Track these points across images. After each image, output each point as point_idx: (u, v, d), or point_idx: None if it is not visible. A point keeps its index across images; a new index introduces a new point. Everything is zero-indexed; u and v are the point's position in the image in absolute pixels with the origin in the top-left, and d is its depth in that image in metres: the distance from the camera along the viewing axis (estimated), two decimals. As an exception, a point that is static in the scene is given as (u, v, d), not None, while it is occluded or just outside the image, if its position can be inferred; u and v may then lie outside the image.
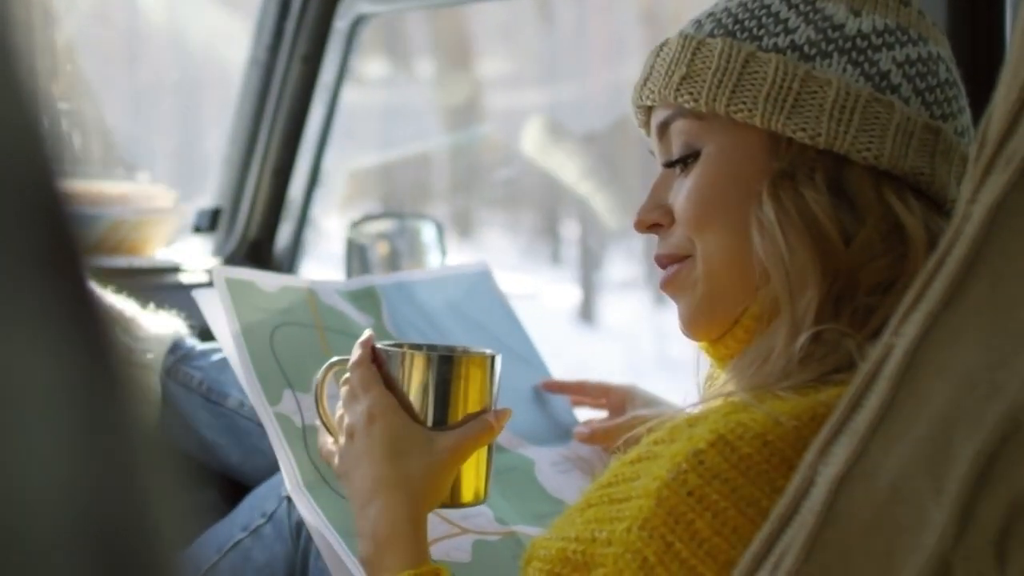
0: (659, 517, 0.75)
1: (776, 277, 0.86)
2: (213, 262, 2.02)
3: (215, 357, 1.42)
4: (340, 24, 1.98)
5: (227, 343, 1.17)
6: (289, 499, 1.19)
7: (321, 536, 1.05)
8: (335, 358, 1.07)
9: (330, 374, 1.06)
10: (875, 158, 0.86)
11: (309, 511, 1.06)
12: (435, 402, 1.00)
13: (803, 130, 0.87)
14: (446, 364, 1.00)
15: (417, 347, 1.05)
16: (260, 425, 1.37)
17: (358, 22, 1.99)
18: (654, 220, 0.95)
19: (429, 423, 0.99)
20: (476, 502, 1.03)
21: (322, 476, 1.11)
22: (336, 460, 1.02)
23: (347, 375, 1.03)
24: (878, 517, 0.56)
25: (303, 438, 1.13)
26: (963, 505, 0.52)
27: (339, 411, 1.03)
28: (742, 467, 0.75)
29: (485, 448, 1.03)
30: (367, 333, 1.05)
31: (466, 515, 1.16)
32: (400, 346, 1.04)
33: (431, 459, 0.97)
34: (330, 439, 1.05)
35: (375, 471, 0.96)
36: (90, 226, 1.80)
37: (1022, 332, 0.51)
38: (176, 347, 1.42)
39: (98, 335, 0.26)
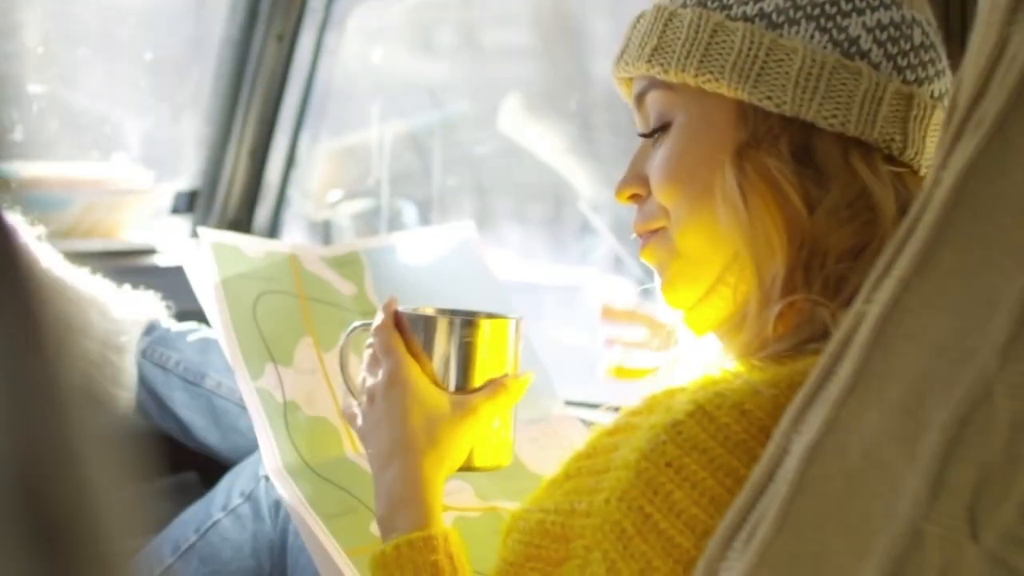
0: (637, 488, 0.75)
1: (741, 245, 0.86)
2: (190, 243, 2.01)
3: (192, 337, 1.41)
4: (315, 2, 1.97)
5: (212, 312, 1.16)
6: (267, 478, 1.19)
7: (299, 516, 1.05)
8: (357, 322, 1.07)
9: (352, 337, 1.06)
10: (841, 125, 0.86)
11: (288, 490, 1.06)
12: (456, 366, 1.00)
13: (769, 98, 0.87)
14: (466, 328, 1.00)
15: (441, 311, 1.05)
16: (238, 404, 1.36)
17: (333, 0, 1.97)
18: (632, 191, 0.95)
19: (451, 387, 0.99)
20: (496, 467, 1.03)
21: (301, 456, 1.10)
22: (358, 422, 1.02)
23: (370, 339, 1.03)
24: (851, 484, 0.56)
25: (283, 415, 1.12)
26: (935, 471, 0.52)
27: (362, 374, 1.03)
28: (720, 437, 0.75)
29: (507, 413, 1.02)
30: (390, 298, 1.04)
31: (447, 492, 1.16)
32: (423, 310, 1.03)
33: (448, 423, 0.97)
34: (354, 402, 1.04)
35: (393, 434, 0.96)
36: (63, 208, 1.79)
37: (992, 297, 0.51)
38: (152, 328, 1.41)
39: (25, 297, 0.26)
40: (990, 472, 0.51)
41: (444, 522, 0.95)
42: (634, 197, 0.95)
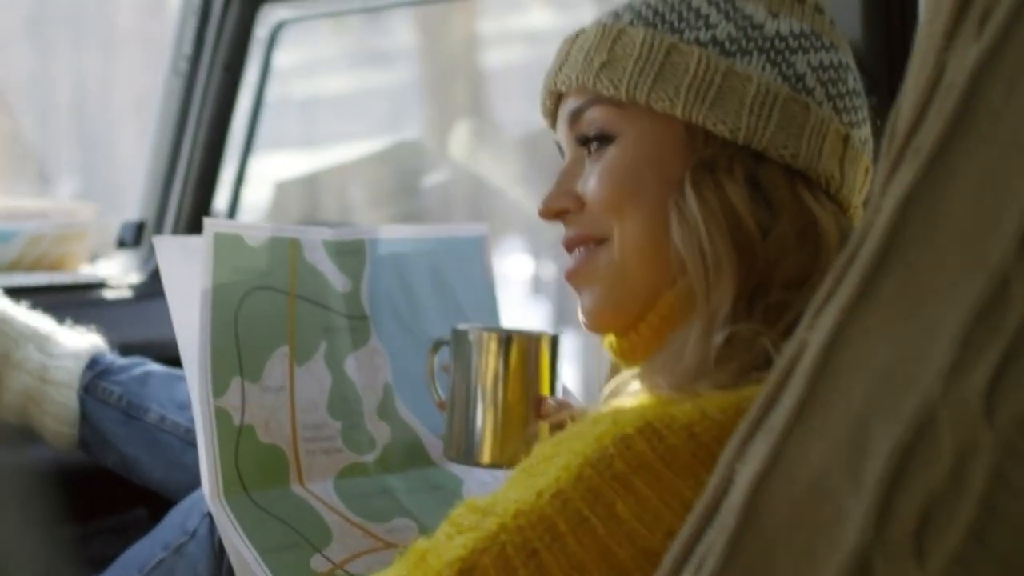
0: (577, 492, 0.75)
1: (693, 267, 0.86)
2: (137, 276, 1.99)
3: (135, 371, 1.39)
4: (261, 31, 1.96)
5: (183, 308, 1.10)
6: (211, 516, 1.17)
7: (235, 549, 1.03)
8: (436, 338, 1.15)
9: (433, 353, 1.17)
10: (791, 157, 0.87)
11: (224, 521, 1.04)
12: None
13: (723, 123, 0.87)
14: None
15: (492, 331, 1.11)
16: (181, 439, 1.34)
17: (278, 29, 1.97)
18: (562, 206, 0.94)
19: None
20: (496, 464, 1.08)
21: (244, 486, 1.08)
22: None
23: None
24: (798, 515, 0.55)
25: (236, 440, 1.09)
26: (881, 500, 0.52)
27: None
28: (668, 458, 0.75)
29: (518, 410, 1.06)
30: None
31: (391, 529, 1.15)
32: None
33: None
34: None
35: None
36: (7, 241, 1.76)
37: (934, 324, 0.51)
38: (95, 362, 1.39)
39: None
40: (935, 498, 0.51)
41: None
42: (562, 213, 0.95)
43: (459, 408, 1.09)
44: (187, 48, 1.97)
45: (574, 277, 0.94)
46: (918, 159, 0.52)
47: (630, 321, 0.91)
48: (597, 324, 0.94)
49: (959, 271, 0.51)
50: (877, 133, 0.93)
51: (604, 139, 0.91)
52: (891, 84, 1.01)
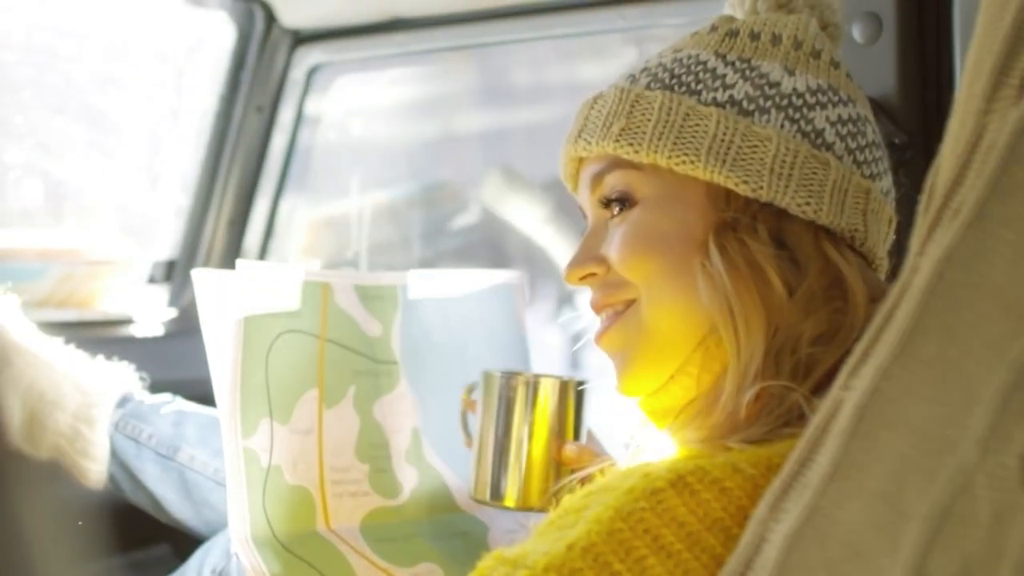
0: (608, 545, 0.74)
1: (723, 325, 0.86)
2: (167, 314, 2.00)
3: (165, 410, 1.40)
4: (295, 74, 1.98)
5: (219, 343, 1.11)
6: (238, 556, 1.17)
7: None
8: (469, 382, 1.20)
9: (467, 395, 1.21)
10: (815, 213, 0.87)
11: (251, 562, 1.04)
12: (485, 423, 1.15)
13: (745, 183, 0.87)
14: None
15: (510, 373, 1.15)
16: (210, 479, 1.34)
17: (313, 72, 1.98)
18: (588, 271, 0.94)
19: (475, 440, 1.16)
20: (520, 507, 1.11)
21: (271, 528, 1.08)
22: None
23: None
24: (832, 575, 0.55)
25: (264, 481, 1.09)
26: (917, 562, 0.51)
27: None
28: (699, 512, 0.74)
29: (543, 454, 1.10)
30: None
31: (416, 574, 1.14)
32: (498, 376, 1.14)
33: None
34: None
35: None
36: (38, 277, 1.77)
37: (972, 386, 0.51)
38: (125, 400, 1.39)
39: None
40: (972, 563, 0.51)
41: None
42: (587, 277, 0.95)
43: (485, 450, 1.12)
44: (220, 88, 1.98)
45: (603, 340, 0.94)
46: (957, 220, 0.52)
47: (661, 382, 0.91)
48: (630, 388, 0.93)
49: (998, 334, 0.50)
50: (913, 188, 0.93)
51: (626, 202, 0.91)
52: (926, 138, 1.00)
